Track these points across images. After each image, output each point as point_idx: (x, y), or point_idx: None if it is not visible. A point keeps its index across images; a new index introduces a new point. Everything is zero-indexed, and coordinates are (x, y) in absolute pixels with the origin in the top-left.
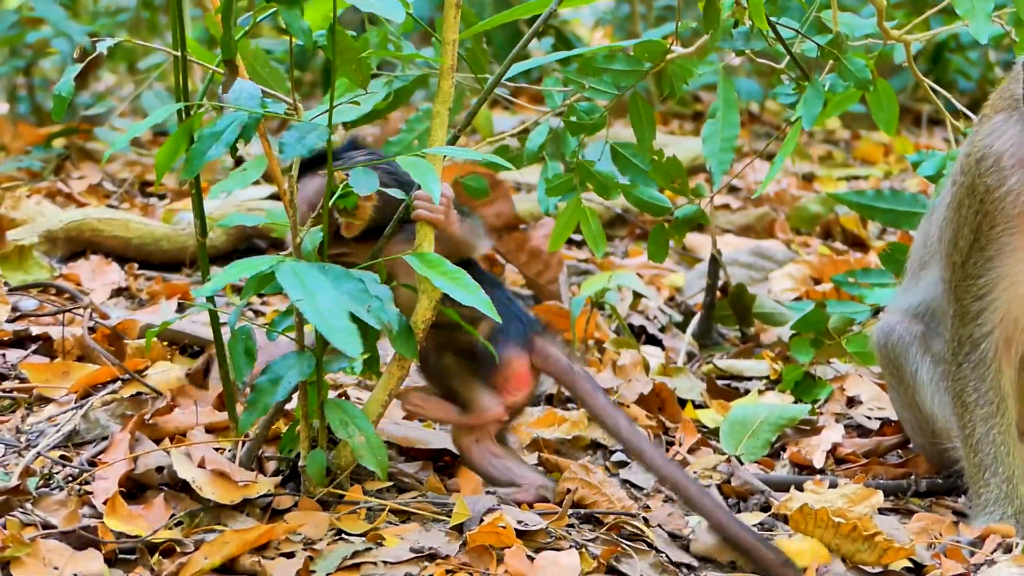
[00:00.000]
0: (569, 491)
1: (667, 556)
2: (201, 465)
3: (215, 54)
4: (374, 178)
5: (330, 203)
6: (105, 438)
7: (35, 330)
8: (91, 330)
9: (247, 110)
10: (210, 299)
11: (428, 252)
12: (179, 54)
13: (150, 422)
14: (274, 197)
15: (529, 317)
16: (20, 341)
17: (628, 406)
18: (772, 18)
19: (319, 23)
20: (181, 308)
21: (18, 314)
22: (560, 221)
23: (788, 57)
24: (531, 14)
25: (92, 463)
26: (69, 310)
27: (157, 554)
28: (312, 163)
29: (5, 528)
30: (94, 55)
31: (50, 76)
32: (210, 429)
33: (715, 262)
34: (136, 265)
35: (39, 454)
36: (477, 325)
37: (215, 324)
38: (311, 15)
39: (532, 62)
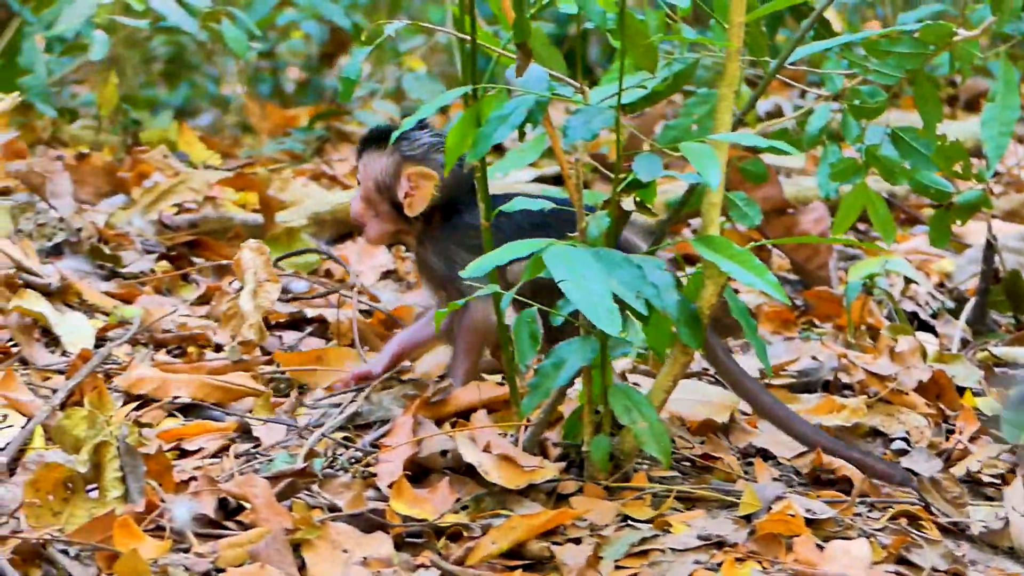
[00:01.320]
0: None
1: (954, 545)
2: (486, 449)
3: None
4: (658, 164)
5: (618, 191)
6: (386, 421)
7: (309, 312)
8: (367, 313)
9: (535, 93)
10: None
11: (713, 235)
12: (468, 36)
13: (432, 402)
14: (539, 180)
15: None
16: (295, 323)
17: (907, 393)
18: None
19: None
20: None
21: (290, 296)
22: (845, 206)
23: None
24: None
25: (375, 446)
26: (339, 291)
27: (444, 538)
28: (376, 139)
29: (292, 510)
30: (382, 38)
31: (286, 59)
32: (491, 409)
33: (990, 247)
34: (403, 248)
35: (323, 436)
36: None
37: (498, 307)
38: None
39: (815, 46)
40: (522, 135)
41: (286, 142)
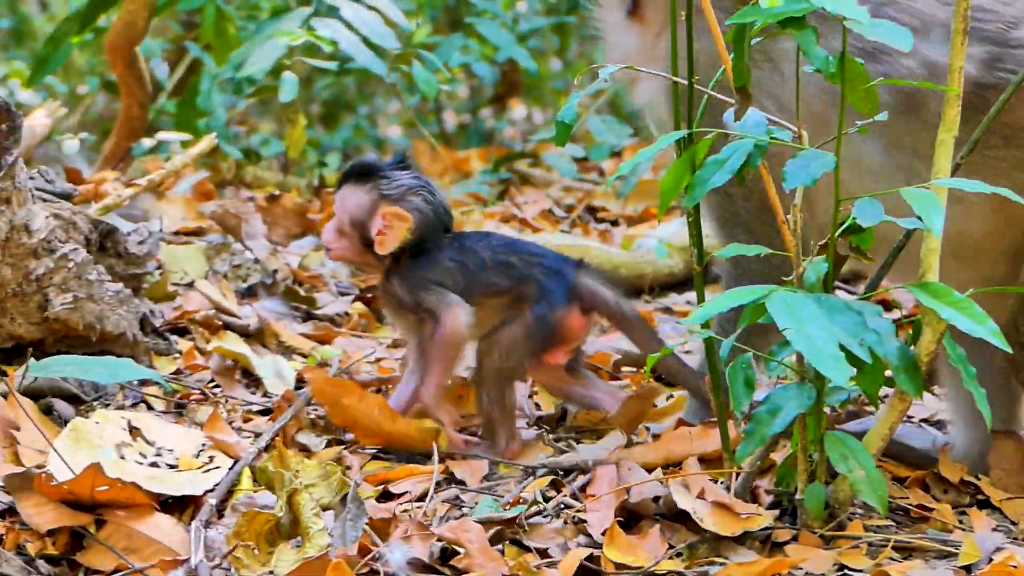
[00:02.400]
0: None
1: None
2: (700, 496)
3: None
4: (879, 208)
5: (836, 234)
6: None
7: None
8: None
9: (754, 137)
10: (705, 326)
11: (933, 282)
12: (686, 82)
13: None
14: None
15: (562, 261)
16: None
17: None
18: None
19: None
20: None
21: None
22: None
23: None
24: None
25: (582, 490)
26: None
27: None
28: (357, 173)
29: (504, 554)
30: (601, 83)
31: (445, 101)
32: (701, 458)
33: None
34: None
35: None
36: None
37: (710, 352)
38: None
39: None
40: (741, 180)
41: (471, 184)
